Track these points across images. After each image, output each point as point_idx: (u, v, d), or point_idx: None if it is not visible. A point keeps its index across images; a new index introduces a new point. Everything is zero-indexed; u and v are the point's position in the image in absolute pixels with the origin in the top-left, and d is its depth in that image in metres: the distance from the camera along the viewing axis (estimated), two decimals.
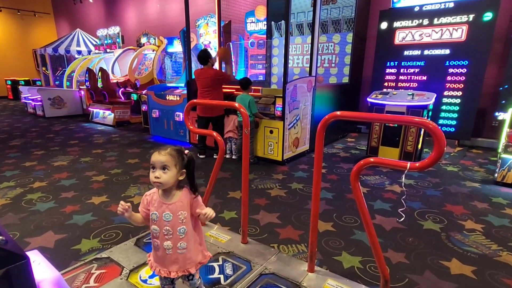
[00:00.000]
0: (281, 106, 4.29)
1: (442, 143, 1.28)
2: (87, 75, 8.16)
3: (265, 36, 6.60)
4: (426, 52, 5.43)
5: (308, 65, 4.92)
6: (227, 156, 4.71)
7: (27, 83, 13.50)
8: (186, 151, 1.39)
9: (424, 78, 5.53)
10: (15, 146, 5.40)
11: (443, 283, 1.97)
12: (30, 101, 9.14)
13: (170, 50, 8.76)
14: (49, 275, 0.74)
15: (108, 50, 10.00)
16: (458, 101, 5.28)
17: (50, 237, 2.46)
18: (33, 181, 3.67)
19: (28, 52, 14.83)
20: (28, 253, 0.77)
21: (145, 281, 1.83)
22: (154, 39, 8.89)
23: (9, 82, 13.80)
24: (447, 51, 5.22)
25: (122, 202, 1.31)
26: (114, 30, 9.78)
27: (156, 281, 1.83)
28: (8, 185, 3.56)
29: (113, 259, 2.04)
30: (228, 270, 1.95)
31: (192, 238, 1.41)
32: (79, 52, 10.99)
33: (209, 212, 1.37)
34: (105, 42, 10.02)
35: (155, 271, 1.44)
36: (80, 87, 9.13)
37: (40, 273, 0.75)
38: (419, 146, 4.27)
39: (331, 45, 6.18)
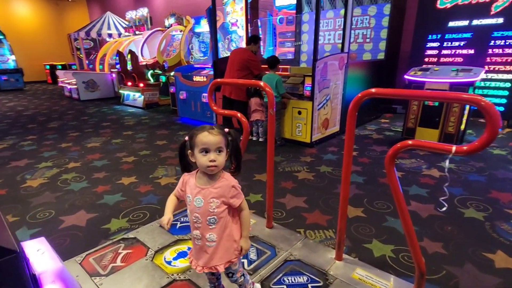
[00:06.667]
0: (310, 85, 4.09)
1: (497, 123, 1.10)
2: (117, 58, 8.32)
3: (294, 11, 6.29)
4: (474, 22, 4.88)
5: (340, 41, 4.62)
6: (254, 138, 4.63)
7: (63, 67, 14.10)
8: (226, 129, 1.26)
9: (472, 51, 5.01)
10: (53, 128, 5.68)
11: (486, 277, 1.79)
12: (66, 85, 9.55)
13: (197, 30, 8.65)
14: (51, 267, 0.70)
15: (137, 32, 10.10)
16: (509, 76, 4.76)
17: (82, 216, 2.55)
18: (68, 162, 3.84)
19: (63, 37, 15.38)
20: (34, 241, 0.74)
21: (169, 263, 1.84)
22: (182, 18, 8.80)
23: (47, 67, 14.50)
24: (500, 20, 4.66)
25: (164, 224, 1.25)
26: (143, 11, 9.83)
27: (180, 263, 1.83)
28: (46, 165, 3.75)
29: (140, 240, 2.07)
30: (252, 255, 1.90)
31: (225, 232, 1.26)
32: (110, 35, 11.22)
33: (244, 246, 1.32)
34: (134, 24, 10.12)
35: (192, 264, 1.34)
36: (111, 70, 9.35)
37: (42, 264, 0.71)
38: (462, 127, 3.92)
39: (366, 18, 5.75)
